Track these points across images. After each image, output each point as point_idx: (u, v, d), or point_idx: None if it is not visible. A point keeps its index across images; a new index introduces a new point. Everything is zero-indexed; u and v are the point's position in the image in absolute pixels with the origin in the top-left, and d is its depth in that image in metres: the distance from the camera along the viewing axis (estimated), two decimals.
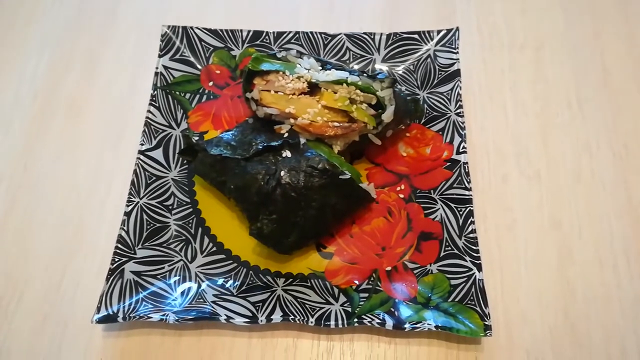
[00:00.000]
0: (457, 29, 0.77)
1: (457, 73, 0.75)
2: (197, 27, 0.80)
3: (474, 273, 0.62)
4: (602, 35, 0.84)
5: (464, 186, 0.67)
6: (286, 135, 0.66)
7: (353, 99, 0.66)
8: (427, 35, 0.78)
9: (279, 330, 0.63)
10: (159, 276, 0.65)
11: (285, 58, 0.69)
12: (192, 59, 0.80)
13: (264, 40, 0.81)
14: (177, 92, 0.78)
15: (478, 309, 0.60)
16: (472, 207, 0.66)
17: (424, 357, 0.62)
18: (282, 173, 0.62)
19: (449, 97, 0.74)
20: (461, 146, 0.70)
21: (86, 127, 0.79)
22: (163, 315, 0.60)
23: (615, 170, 0.74)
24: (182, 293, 0.64)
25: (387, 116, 0.66)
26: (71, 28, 0.88)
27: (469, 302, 0.61)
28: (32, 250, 0.69)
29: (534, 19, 0.87)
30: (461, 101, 0.73)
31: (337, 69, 0.68)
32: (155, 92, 0.75)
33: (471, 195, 0.66)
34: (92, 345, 0.63)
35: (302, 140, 0.65)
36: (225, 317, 0.60)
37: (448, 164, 0.70)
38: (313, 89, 0.67)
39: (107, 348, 0.62)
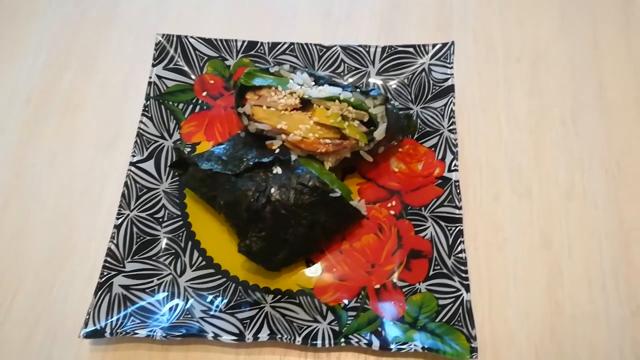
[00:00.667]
0: (453, 43, 0.77)
1: (451, 89, 0.74)
2: (191, 36, 0.79)
3: (462, 294, 0.62)
4: (599, 48, 0.84)
5: (454, 205, 0.67)
6: (277, 151, 0.66)
7: (345, 115, 0.65)
8: (422, 49, 0.78)
9: (266, 347, 0.63)
10: (147, 290, 0.65)
11: (278, 73, 0.68)
12: (186, 68, 0.80)
13: (259, 50, 0.80)
14: (170, 102, 0.77)
15: (465, 330, 0.60)
16: (462, 226, 0.66)
17: None
18: (272, 190, 0.62)
19: (442, 113, 0.74)
20: (453, 164, 0.69)
21: (81, 128, 0.79)
22: (150, 331, 0.60)
23: (607, 189, 0.73)
24: (170, 309, 0.64)
25: (379, 134, 0.66)
26: (69, 28, 0.88)
27: (456, 323, 0.61)
28: (24, 256, 0.69)
29: (531, 31, 0.86)
30: (454, 117, 0.72)
31: (330, 84, 0.68)
32: (148, 102, 0.75)
33: (461, 214, 0.66)
34: (80, 358, 0.63)
35: (293, 157, 0.65)
36: (213, 335, 0.60)
37: (439, 181, 0.70)
38: (305, 103, 0.67)
39: None
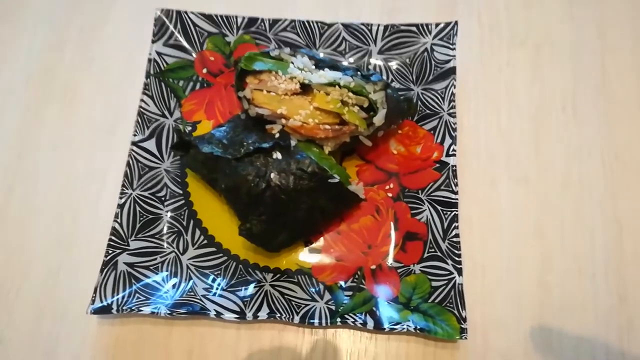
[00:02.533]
0: (456, 23, 0.76)
1: (453, 71, 0.74)
2: (191, 12, 0.78)
3: (454, 277, 0.64)
4: (605, 37, 0.82)
5: (451, 189, 0.68)
6: (277, 135, 0.66)
7: (345, 101, 0.65)
8: (425, 28, 0.77)
9: (266, 323, 0.66)
10: (151, 267, 0.67)
11: (279, 56, 0.68)
12: (186, 44, 0.79)
13: (259, 27, 0.79)
14: (171, 80, 0.77)
15: (456, 311, 0.63)
16: (457, 211, 0.67)
17: (402, 353, 0.65)
18: (272, 175, 0.63)
19: (442, 96, 0.74)
20: (451, 149, 0.70)
21: (82, 110, 0.79)
22: (155, 308, 0.63)
23: (604, 180, 0.74)
24: (174, 286, 0.66)
25: (379, 119, 0.66)
26: (66, 5, 0.86)
27: (447, 304, 0.64)
28: (30, 240, 0.71)
29: (536, 15, 0.84)
30: (454, 101, 0.72)
31: (330, 67, 0.68)
32: (149, 80, 0.75)
33: (457, 199, 0.68)
34: (89, 333, 0.66)
35: (293, 142, 0.66)
36: (215, 313, 0.63)
37: (437, 165, 0.71)
38: (306, 87, 0.67)
39: (102, 336, 0.66)
